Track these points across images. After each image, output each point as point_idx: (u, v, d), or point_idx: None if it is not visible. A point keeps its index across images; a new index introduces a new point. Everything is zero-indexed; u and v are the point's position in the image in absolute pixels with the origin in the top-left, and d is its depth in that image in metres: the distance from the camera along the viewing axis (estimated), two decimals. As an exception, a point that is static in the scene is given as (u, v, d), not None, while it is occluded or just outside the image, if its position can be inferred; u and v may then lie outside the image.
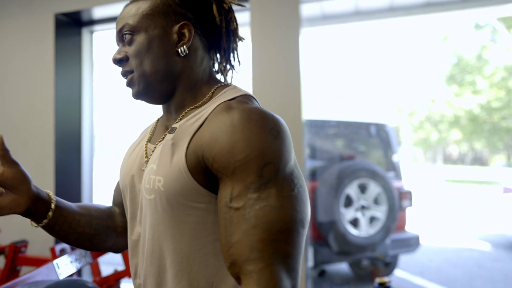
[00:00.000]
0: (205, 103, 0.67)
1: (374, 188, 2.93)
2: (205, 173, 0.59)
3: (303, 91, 1.80)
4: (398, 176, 3.37)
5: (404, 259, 4.05)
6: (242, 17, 2.36)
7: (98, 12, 2.27)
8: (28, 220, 0.71)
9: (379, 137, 3.40)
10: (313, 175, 3.07)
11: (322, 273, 2.82)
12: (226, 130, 0.56)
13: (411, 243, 3.20)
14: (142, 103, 0.74)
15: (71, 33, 2.33)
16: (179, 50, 0.66)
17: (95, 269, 1.68)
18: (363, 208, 2.92)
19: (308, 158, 1.88)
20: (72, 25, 2.34)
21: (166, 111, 0.72)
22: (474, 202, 8.83)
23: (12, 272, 1.67)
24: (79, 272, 2.19)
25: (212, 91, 0.69)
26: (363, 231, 2.88)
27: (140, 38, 0.66)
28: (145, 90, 0.68)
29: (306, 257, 1.76)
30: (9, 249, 1.65)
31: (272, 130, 0.57)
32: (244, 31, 2.96)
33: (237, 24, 0.73)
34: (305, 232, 0.56)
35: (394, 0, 2.73)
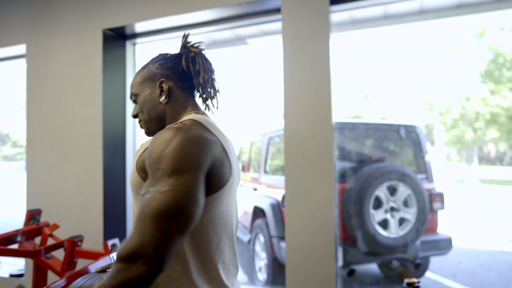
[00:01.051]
0: None
1: (403, 190, 2.95)
2: (146, 173, 0.85)
3: (333, 95, 1.88)
4: (429, 178, 3.36)
5: (436, 261, 4.01)
6: (274, 26, 2.48)
7: (140, 26, 2.46)
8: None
9: (409, 138, 3.40)
10: (343, 177, 3.14)
11: (351, 273, 2.88)
12: (150, 143, 0.83)
13: (443, 245, 3.18)
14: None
15: (116, 46, 2.54)
16: (161, 100, 0.97)
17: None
18: (392, 209, 2.95)
19: (338, 160, 1.96)
20: (117, 39, 2.54)
21: None
22: (510, 203, 8.46)
23: (70, 263, 1.86)
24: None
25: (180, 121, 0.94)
26: (392, 233, 2.91)
27: (140, 99, 1.00)
28: (148, 131, 1.02)
29: (335, 257, 1.84)
30: (68, 243, 1.84)
31: (168, 144, 0.79)
32: (275, 38, 3.06)
33: (200, 65, 0.98)
34: (172, 223, 0.74)
35: (424, 3, 2.74)
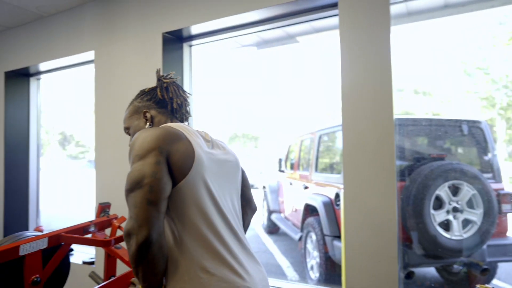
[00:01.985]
0: None
1: (468, 190, 2.76)
2: None
3: (394, 91, 1.82)
4: (496, 178, 3.11)
5: (504, 267, 3.71)
6: (326, 22, 2.44)
7: (195, 28, 2.55)
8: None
9: (472, 135, 3.18)
10: (400, 175, 3.01)
11: (409, 275, 2.76)
12: None
13: (513, 251, 2.93)
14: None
15: (174, 48, 2.66)
16: (146, 126, 1.19)
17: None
18: (455, 210, 2.78)
19: (396, 158, 1.89)
20: (175, 41, 2.66)
21: None
22: None
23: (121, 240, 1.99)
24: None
25: None
26: (455, 235, 2.74)
27: (131, 131, 1.23)
28: None
29: (398, 257, 1.78)
30: (121, 219, 1.98)
31: (134, 141, 1.00)
32: (325, 35, 3.00)
33: (172, 93, 1.23)
34: (138, 196, 0.92)
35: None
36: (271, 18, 2.36)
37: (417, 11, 2.83)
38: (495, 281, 3.52)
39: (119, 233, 2.39)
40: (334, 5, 2.09)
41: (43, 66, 3.42)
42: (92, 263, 2.86)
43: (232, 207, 1.12)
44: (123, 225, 2.32)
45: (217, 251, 0.99)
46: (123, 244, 2.48)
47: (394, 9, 2.29)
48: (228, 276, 0.98)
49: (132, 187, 0.93)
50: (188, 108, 1.27)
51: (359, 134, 1.85)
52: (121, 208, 2.55)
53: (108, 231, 2.37)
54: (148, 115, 1.20)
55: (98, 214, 2.20)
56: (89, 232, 2.10)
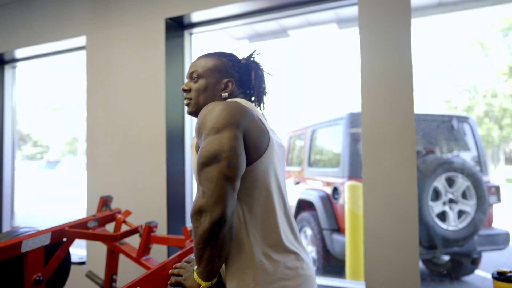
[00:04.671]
0: None
1: (462, 182, 2.87)
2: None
3: (414, 85, 1.83)
4: (483, 170, 3.26)
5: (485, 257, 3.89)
6: (350, 11, 2.44)
7: (196, 16, 2.46)
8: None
9: (461, 130, 3.31)
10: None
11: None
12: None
13: (501, 240, 3.09)
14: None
15: (176, 36, 2.54)
16: (222, 94, 1.09)
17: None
18: (451, 201, 2.88)
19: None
20: (177, 28, 2.55)
21: None
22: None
23: (145, 249, 1.87)
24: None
25: None
26: (451, 225, 2.84)
27: (201, 81, 1.10)
28: (194, 113, 1.12)
29: (418, 244, 1.79)
30: (144, 229, 1.84)
31: (207, 113, 0.93)
32: (318, 29, 3.00)
33: (262, 80, 1.16)
34: (214, 170, 0.85)
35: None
36: (282, 5, 2.31)
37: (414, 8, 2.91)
38: (477, 271, 3.68)
39: (124, 228, 2.23)
40: (350, -6, 2.08)
41: (20, 53, 3.16)
42: (83, 263, 2.66)
43: (286, 193, 1.09)
44: (128, 219, 2.17)
45: (280, 237, 0.97)
46: (127, 239, 2.33)
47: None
48: (291, 262, 0.96)
49: (209, 161, 0.86)
50: (266, 94, 1.19)
51: (379, 125, 1.85)
52: (118, 205, 2.40)
53: (108, 226, 2.21)
54: (231, 86, 1.10)
55: (99, 208, 2.04)
56: (89, 228, 1.94)
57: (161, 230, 2.34)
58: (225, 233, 0.85)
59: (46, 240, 1.61)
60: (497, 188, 3.18)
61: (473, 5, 2.84)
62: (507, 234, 3.12)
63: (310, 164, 3.98)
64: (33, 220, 7.84)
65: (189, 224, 2.54)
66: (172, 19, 2.45)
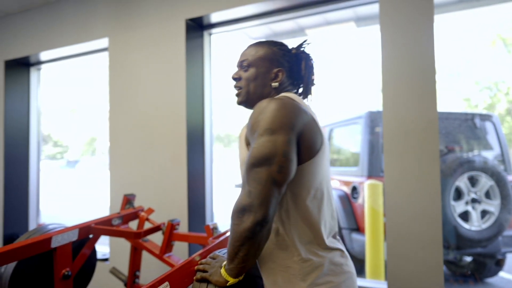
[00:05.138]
0: None
1: (486, 181, 2.80)
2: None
3: (437, 83, 1.80)
4: (507, 169, 3.18)
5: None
6: (368, 9, 2.42)
7: (216, 16, 2.48)
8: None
9: (484, 128, 3.24)
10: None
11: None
12: (248, 117, 0.95)
13: (526, 241, 3.00)
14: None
15: (196, 36, 2.58)
16: (272, 84, 1.08)
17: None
18: (474, 201, 2.81)
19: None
20: (197, 29, 2.58)
21: None
22: None
23: (168, 246, 1.90)
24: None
25: None
26: (474, 225, 2.77)
27: (252, 70, 1.09)
28: (245, 102, 1.12)
29: (442, 242, 1.77)
30: (167, 226, 1.88)
31: (262, 111, 0.90)
32: (337, 28, 2.99)
33: (312, 72, 1.13)
34: (264, 172, 0.85)
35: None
36: (302, 4, 2.31)
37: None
38: (501, 273, 3.59)
39: (147, 225, 2.28)
40: (370, -8, 2.07)
41: (44, 56, 3.26)
42: (106, 259, 2.72)
43: (331, 191, 1.09)
44: (151, 217, 2.21)
45: (325, 234, 0.98)
46: (150, 237, 2.38)
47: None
48: (336, 258, 0.97)
49: (259, 163, 0.86)
50: (312, 87, 1.16)
51: (401, 124, 1.83)
52: (140, 202, 2.45)
53: (132, 224, 2.26)
54: (281, 76, 1.08)
55: (123, 206, 2.09)
56: (113, 225, 1.99)
57: (182, 228, 2.38)
58: (264, 234, 0.87)
59: (74, 236, 1.66)
60: (522, 188, 3.08)
61: (496, 0, 2.78)
62: (533, 235, 3.03)
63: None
64: (56, 219, 8.06)
65: (209, 222, 2.57)
66: (192, 19, 2.49)
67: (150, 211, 2.06)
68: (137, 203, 2.45)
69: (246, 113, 1.15)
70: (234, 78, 1.12)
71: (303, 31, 3.93)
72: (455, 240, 2.74)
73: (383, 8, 1.92)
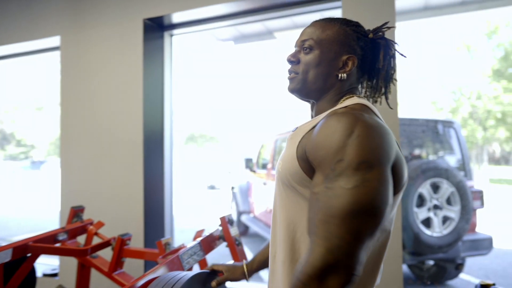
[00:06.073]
0: None
1: (447, 188, 2.84)
2: (306, 163, 0.75)
3: (398, 90, 1.77)
4: (468, 175, 3.25)
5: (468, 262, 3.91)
6: (335, 14, 2.37)
7: (177, 17, 2.36)
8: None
9: (447, 134, 3.30)
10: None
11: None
12: (318, 131, 0.72)
13: (484, 245, 3.08)
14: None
15: (156, 37, 2.44)
16: (339, 75, 0.84)
17: (203, 264, 1.73)
18: (435, 207, 2.85)
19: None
20: (156, 30, 2.45)
21: (311, 111, 0.92)
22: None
23: (118, 263, 1.77)
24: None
25: (340, 102, 0.85)
26: (436, 231, 2.81)
27: (315, 53, 0.84)
28: (299, 91, 0.88)
29: (402, 253, 1.74)
30: (117, 242, 1.74)
31: (349, 132, 0.67)
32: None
33: (395, 69, 0.90)
34: (364, 225, 0.64)
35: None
36: (269, 6, 2.23)
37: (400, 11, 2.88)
38: (461, 275, 3.69)
39: (96, 240, 2.12)
40: (334, -3, 2.02)
41: (-8, 53, 3.01)
42: (55, 275, 2.53)
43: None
44: (102, 231, 2.05)
45: (378, 277, 0.84)
46: (100, 253, 2.22)
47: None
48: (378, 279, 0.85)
49: (357, 211, 0.64)
50: (390, 88, 0.94)
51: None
52: (90, 214, 2.28)
53: (80, 238, 2.10)
54: (350, 64, 0.84)
55: (70, 220, 1.93)
56: (59, 241, 1.83)
57: (138, 242, 2.24)
58: None
59: (6, 257, 1.49)
60: (481, 193, 3.17)
61: (459, 9, 2.83)
62: (490, 239, 3.12)
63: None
64: (3, 228, 7.60)
65: (168, 234, 2.44)
66: (150, 19, 2.35)
67: (99, 224, 1.92)
68: (90, 215, 2.28)
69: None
70: (290, 61, 0.87)
71: (272, 34, 3.87)
72: (418, 247, 2.76)
73: (346, 14, 1.87)
